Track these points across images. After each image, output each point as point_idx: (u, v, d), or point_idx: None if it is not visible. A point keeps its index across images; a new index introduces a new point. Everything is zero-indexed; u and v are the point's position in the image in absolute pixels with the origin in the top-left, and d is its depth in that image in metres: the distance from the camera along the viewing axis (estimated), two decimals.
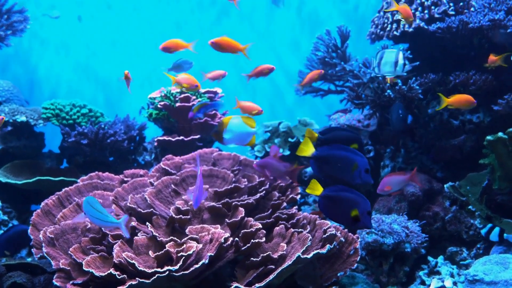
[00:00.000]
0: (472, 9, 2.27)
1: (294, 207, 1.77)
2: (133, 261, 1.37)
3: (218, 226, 1.55)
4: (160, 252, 1.42)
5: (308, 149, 1.55)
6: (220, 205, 1.66)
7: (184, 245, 1.44)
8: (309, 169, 2.53)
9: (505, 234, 1.78)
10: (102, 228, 1.55)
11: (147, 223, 1.58)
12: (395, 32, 2.38)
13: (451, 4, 2.32)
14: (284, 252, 1.47)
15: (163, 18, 4.40)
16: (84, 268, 1.40)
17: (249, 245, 1.47)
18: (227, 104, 2.76)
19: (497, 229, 1.79)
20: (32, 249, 1.68)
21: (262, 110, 2.13)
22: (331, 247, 1.49)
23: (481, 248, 1.97)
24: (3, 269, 1.61)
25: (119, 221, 1.42)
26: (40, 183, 2.30)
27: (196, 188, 1.48)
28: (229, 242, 1.48)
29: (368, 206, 1.45)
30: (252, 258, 1.45)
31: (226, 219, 1.60)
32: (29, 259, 1.98)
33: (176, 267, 1.34)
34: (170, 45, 2.08)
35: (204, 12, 4.44)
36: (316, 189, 1.50)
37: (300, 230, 1.57)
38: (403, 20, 2.24)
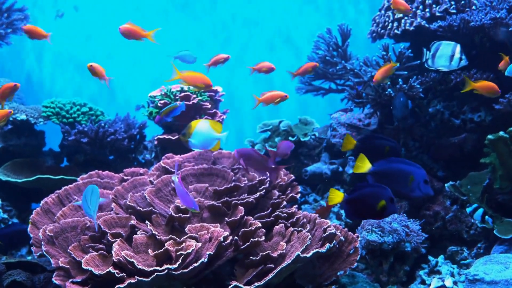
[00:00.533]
0: (473, 7, 2.26)
1: (294, 206, 1.76)
2: (132, 260, 1.37)
3: (218, 224, 1.55)
4: (159, 251, 1.42)
5: (364, 166, 1.54)
6: (220, 204, 1.65)
7: (184, 243, 1.44)
8: (309, 168, 2.52)
9: (486, 217, 1.80)
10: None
11: (147, 222, 1.58)
12: (396, 31, 2.37)
13: (452, 3, 2.31)
14: (284, 251, 1.47)
15: (163, 15, 4.39)
16: (83, 267, 1.40)
17: (248, 243, 1.47)
18: (228, 103, 2.76)
19: (480, 210, 1.81)
20: (31, 247, 1.68)
21: (287, 95, 2.11)
22: (331, 246, 1.49)
23: (481, 247, 1.97)
24: (3, 267, 1.61)
25: (92, 215, 1.46)
26: (40, 181, 2.30)
27: (181, 194, 1.48)
28: (228, 241, 1.47)
29: (390, 193, 1.46)
30: (251, 257, 1.44)
31: (226, 218, 1.60)
32: (29, 258, 1.99)
33: (175, 265, 1.34)
34: (130, 31, 1.91)
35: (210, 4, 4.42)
36: (337, 196, 1.49)
37: (299, 229, 1.57)
38: (396, 11, 2.22)
